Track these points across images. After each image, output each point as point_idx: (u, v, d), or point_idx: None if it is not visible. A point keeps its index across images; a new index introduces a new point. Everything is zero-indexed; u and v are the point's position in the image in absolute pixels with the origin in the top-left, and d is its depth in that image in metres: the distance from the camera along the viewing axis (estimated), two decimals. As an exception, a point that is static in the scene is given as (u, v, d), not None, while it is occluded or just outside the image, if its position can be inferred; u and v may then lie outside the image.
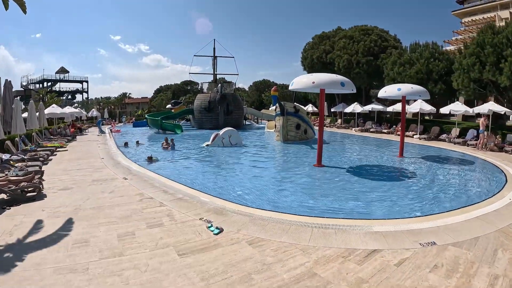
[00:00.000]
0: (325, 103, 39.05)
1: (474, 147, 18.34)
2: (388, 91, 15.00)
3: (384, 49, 33.00)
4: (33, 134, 18.99)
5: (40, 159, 13.64)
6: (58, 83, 66.73)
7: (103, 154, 15.35)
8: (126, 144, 18.01)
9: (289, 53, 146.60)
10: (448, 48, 40.29)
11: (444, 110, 24.52)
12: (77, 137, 25.08)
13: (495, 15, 42.94)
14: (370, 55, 32.26)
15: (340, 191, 8.92)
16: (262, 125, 36.16)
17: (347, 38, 33.65)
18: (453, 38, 47.30)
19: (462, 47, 27.66)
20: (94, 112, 42.13)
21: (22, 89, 62.03)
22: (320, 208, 7.32)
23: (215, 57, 36.65)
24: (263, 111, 40.83)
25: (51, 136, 21.79)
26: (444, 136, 22.73)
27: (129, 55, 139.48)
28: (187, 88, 68.61)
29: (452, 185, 9.87)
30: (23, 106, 38.97)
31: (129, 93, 64.00)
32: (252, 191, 8.76)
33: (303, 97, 48.93)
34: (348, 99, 38.27)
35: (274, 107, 21.93)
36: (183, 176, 10.54)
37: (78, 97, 69.34)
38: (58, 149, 17.49)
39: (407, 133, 25.48)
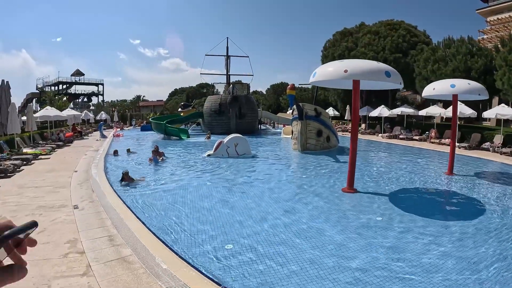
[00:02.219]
0: (347, 106, 35.67)
1: (523, 158, 14.80)
2: (438, 88, 11.52)
3: (414, 45, 29.38)
4: (16, 139, 16.54)
5: (8, 170, 11.20)
6: (74, 85, 65.51)
7: (82, 165, 12.60)
8: (115, 153, 15.20)
9: (309, 55, 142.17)
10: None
11: (488, 114, 20.99)
12: (75, 141, 22.70)
13: (522, 14, 39.06)
14: (398, 52, 28.70)
15: (394, 244, 5.37)
16: (279, 130, 32.97)
17: (372, 34, 30.16)
18: (479, 38, 43.38)
19: (499, 44, 24.05)
20: (103, 115, 40.01)
21: (37, 91, 61.12)
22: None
23: (228, 57, 33.79)
24: (279, 114, 37.65)
25: (40, 142, 19.33)
26: (487, 144, 18.99)
27: (149, 59, 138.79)
28: (202, 91, 66.09)
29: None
30: (39, 108, 37.44)
31: (143, 96, 62.00)
32: (250, 245, 5.33)
33: (323, 100, 45.49)
34: (371, 102, 34.74)
35: (291, 110, 18.71)
36: (157, 206, 7.42)
37: (94, 100, 68.02)
38: (40, 157, 15.00)
39: (442, 141, 22.10)
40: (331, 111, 36.63)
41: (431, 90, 11.79)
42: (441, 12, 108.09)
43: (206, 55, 33.83)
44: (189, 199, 8.11)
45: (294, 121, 17.55)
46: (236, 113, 26.48)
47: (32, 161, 13.80)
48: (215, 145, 14.64)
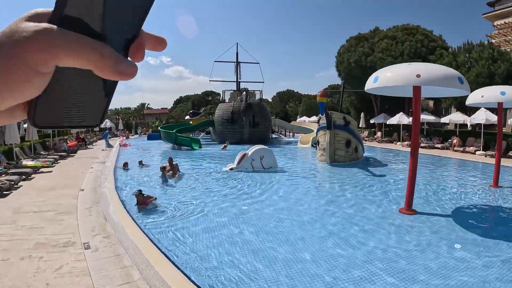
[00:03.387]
0: (361, 113, 33.97)
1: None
2: (486, 95, 10.26)
3: (433, 50, 27.81)
4: (15, 150, 14.75)
5: (3, 187, 9.43)
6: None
7: (89, 181, 10.79)
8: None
9: (312, 63, 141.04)
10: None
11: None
12: (79, 151, 20.90)
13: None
14: (417, 57, 27.06)
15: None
16: (292, 139, 31.21)
17: (389, 39, 28.56)
18: (487, 42, 42.25)
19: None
20: (107, 123, 38.23)
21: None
22: None
23: (238, 63, 32.14)
24: (293, 123, 35.98)
25: (42, 152, 17.51)
26: (513, 152, 17.66)
27: (152, 67, 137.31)
28: (208, 99, 64.55)
29: None
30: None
31: (148, 104, 60.27)
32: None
33: (331, 107, 43.87)
34: (385, 109, 33.13)
35: (317, 118, 17.05)
36: (193, 242, 5.64)
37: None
38: (41, 170, 13.23)
39: (466, 149, 20.54)
40: (343, 119, 34.90)
41: (479, 97, 10.48)
42: (447, 16, 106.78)
43: (215, 61, 32.22)
44: (232, 230, 6.28)
45: (321, 130, 15.91)
46: (250, 122, 24.69)
47: (32, 175, 12.03)
48: (238, 157, 12.84)
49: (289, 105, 58.06)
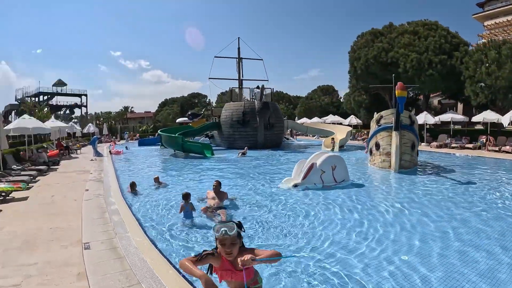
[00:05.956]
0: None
1: None
2: None
3: (456, 46, 24.88)
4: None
5: None
6: (56, 96, 57.54)
7: (91, 220, 6.33)
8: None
9: (291, 67, 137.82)
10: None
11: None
12: (62, 162, 16.14)
13: (518, 17, 37.10)
14: (442, 53, 24.04)
15: None
16: (303, 142, 27.53)
17: (410, 34, 25.40)
18: (480, 42, 41.06)
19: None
20: (91, 128, 33.02)
21: (16, 102, 52.95)
22: None
23: (240, 59, 28.05)
24: (307, 124, 32.53)
25: (14, 166, 12.66)
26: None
27: (130, 71, 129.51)
28: (194, 101, 59.94)
29: None
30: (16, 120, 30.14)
31: (132, 107, 54.80)
32: None
33: (335, 106, 40.89)
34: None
35: (377, 117, 13.35)
36: None
37: (77, 112, 60.16)
38: (12, 195, 8.72)
39: (503, 148, 18.35)
40: (354, 119, 31.66)
41: None
42: (437, 17, 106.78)
43: (215, 57, 27.96)
44: None
45: (383, 131, 12.33)
46: (266, 124, 20.55)
47: (-3, 207, 7.49)
48: (303, 169, 8.78)
49: (280, 106, 54.42)
